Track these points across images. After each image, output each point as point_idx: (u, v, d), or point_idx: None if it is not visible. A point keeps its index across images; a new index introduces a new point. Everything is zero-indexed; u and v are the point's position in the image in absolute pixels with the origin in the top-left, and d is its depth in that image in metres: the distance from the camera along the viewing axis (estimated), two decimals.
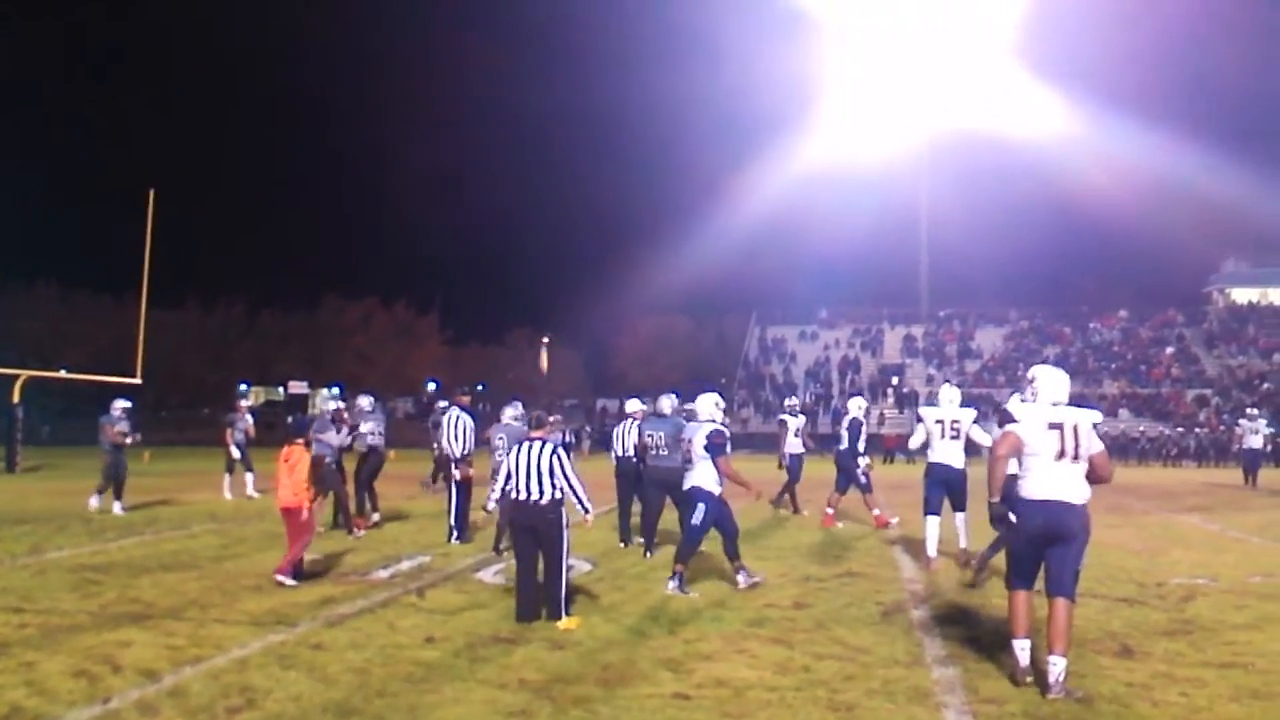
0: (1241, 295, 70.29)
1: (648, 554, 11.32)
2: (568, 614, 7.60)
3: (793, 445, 16.18)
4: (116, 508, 15.28)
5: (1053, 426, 6.10)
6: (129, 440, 16.07)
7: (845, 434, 14.47)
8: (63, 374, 40.29)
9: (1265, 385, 51.30)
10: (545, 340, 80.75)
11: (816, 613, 8.16)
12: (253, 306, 73.20)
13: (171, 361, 61.15)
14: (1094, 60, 75.22)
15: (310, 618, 7.73)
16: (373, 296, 73.90)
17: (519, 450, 7.94)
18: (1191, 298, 70.32)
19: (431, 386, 70.50)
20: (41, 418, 42.55)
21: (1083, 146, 59.73)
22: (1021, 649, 6.07)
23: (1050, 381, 6.33)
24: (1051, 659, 5.84)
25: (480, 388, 69.58)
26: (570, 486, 7.87)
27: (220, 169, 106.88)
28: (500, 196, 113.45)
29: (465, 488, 12.39)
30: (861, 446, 14.28)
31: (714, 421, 9.32)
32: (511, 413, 11.78)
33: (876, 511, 14.39)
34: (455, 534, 12.15)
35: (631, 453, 12.20)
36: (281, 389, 70.79)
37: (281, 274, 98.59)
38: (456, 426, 12.51)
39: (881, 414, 51.85)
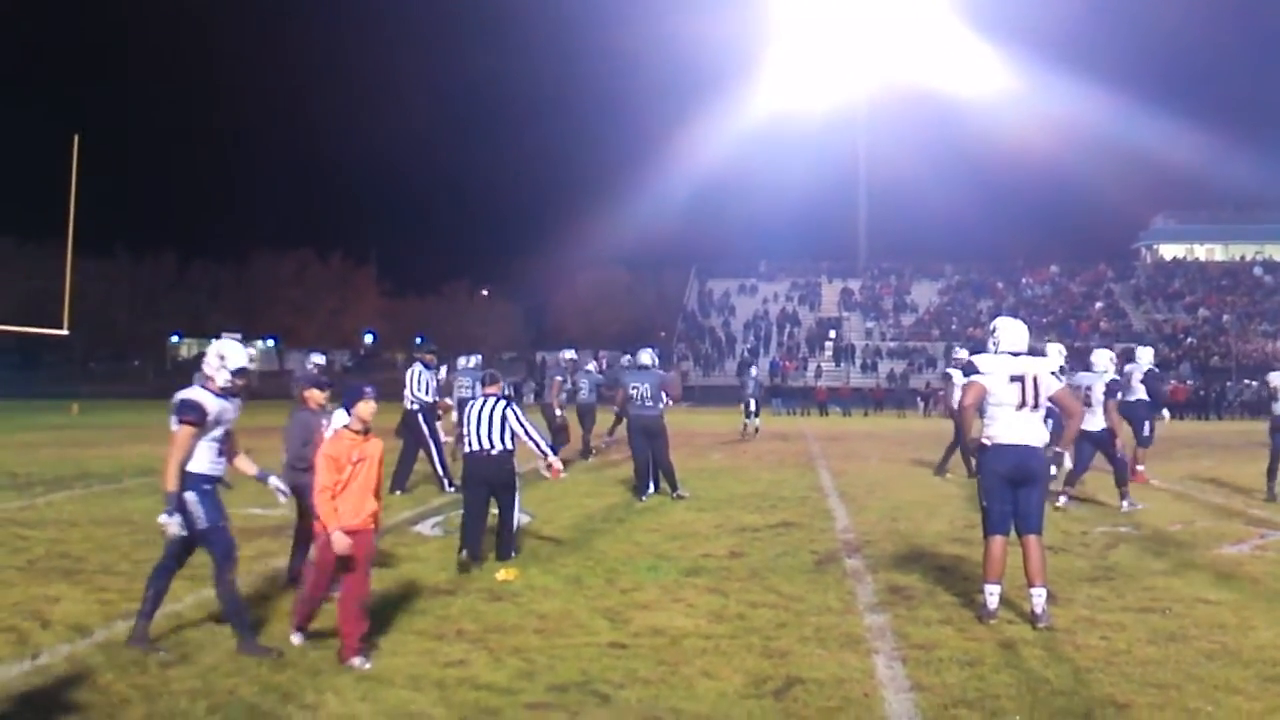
0: (1169, 251, 71.84)
1: (641, 498, 11.90)
2: (515, 553, 8.07)
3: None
4: None
5: (1014, 379, 6.44)
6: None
7: (1140, 385, 13.72)
8: None
9: (1189, 340, 52.64)
10: (484, 292, 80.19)
11: (752, 562, 8.28)
12: (183, 257, 71.71)
13: (100, 312, 59.70)
14: (1031, 17, 75.88)
15: (245, 572, 7.65)
16: (307, 248, 72.66)
17: (472, 406, 8.35)
18: (1121, 253, 71.80)
19: (369, 339, 69.79)
20: None
21: (1018, 103, 60.46)
22: (991, 593, 6.39)
23: (1009, 332, 6.66)
24: (1033, 591, 6.26)
25: (419, 340, 68.96)
26: (530, 438, 8.25)
27: (148, 116, 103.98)
28: (439, 148, 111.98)
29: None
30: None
31: (1108, 373, 11.34)
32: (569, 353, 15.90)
33: (1140, 467, 14.09)
34: (391, 486, 12.11)
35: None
36: (214, 341, 69.61)
37: (212, 224, 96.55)
38: (419, 381, 12.62)
39: (819, 366, 52.43)
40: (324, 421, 7.03)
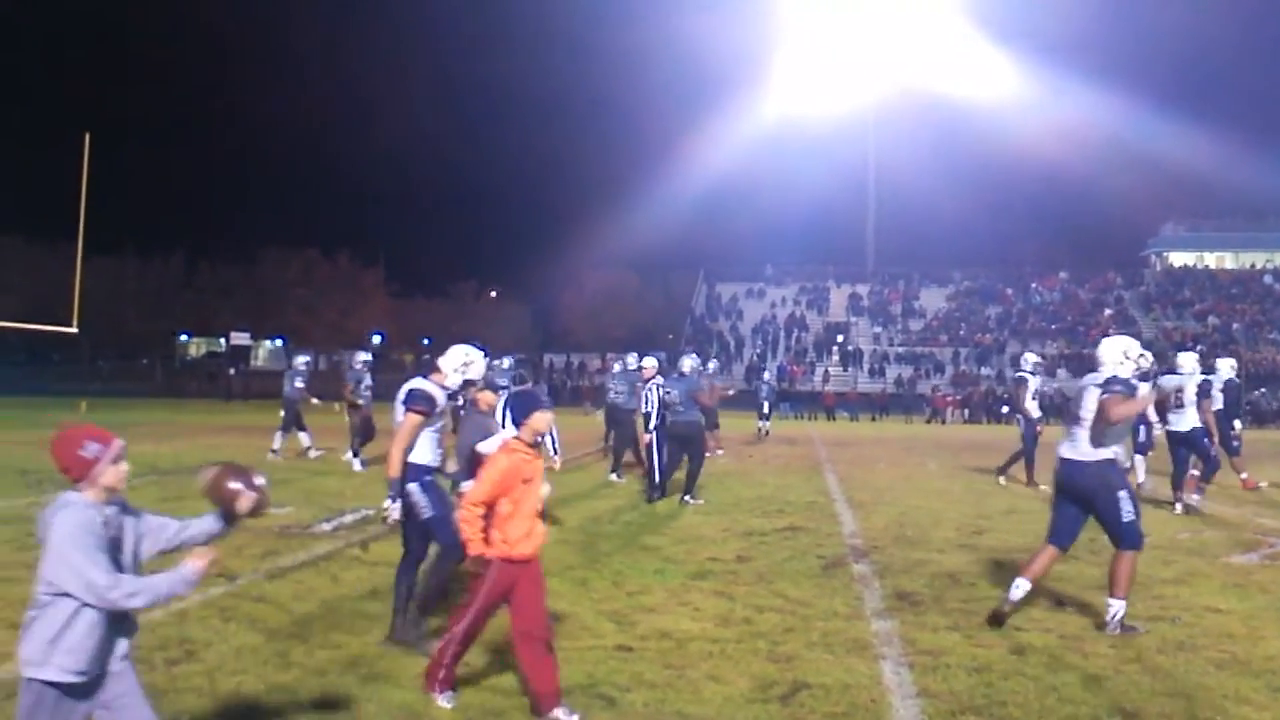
0: (1179, 259, 71.60)
1: (650, 500, 11.94)
2: None
3: (1031, 407, 14.29)
4: (355, 464, 15.22)
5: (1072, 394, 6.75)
6: (361, 399, 15.90)
7: (1219, 395, 13.24)
8: None
9: (1199, 348, 52.40)
10: (492, 294, 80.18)
11: (758, 566, 8.26)
12: (192, 256, 71.79)
13: (109, 311, 59.80)
14: (1042, 22, 75.86)
15: (252, 570, 7.67)
16: (314, 248, 72.65)
17: (507, 401, 8.90)
18: (1130, 260, 71.56)
19: (377, 339, 69.80)
20: None
21: (1028, 109, 60.39)
22: (1016, 586, 6.47)
23: (1099, 350, 6.77)
24: (1107, 600, 6.37)
25: (427, 342, 69.02)
26: (553, 435, 9.21)
27: (157, 116, 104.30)
28: (448, 149, 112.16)
29: None
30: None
31: (1195, 374, 11.83)
32: (630, 360, 15.31)
33: (1244, 475, 13.99)
34: None
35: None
36: (224, 340, 69.76)
37: (220, 223, 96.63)
38: None
39: (826, 371, 52.38)
40: (496, 424, 7.24)
